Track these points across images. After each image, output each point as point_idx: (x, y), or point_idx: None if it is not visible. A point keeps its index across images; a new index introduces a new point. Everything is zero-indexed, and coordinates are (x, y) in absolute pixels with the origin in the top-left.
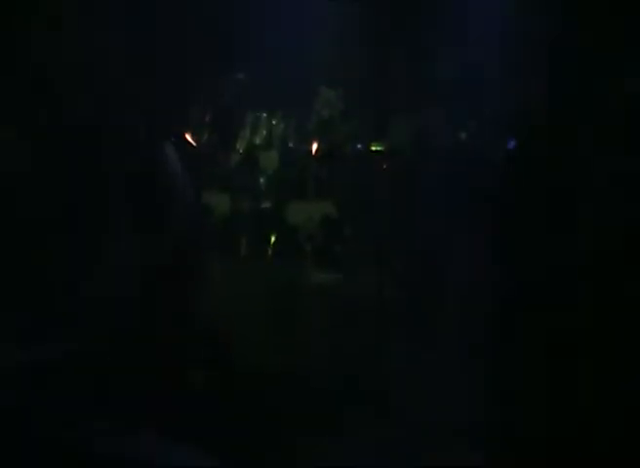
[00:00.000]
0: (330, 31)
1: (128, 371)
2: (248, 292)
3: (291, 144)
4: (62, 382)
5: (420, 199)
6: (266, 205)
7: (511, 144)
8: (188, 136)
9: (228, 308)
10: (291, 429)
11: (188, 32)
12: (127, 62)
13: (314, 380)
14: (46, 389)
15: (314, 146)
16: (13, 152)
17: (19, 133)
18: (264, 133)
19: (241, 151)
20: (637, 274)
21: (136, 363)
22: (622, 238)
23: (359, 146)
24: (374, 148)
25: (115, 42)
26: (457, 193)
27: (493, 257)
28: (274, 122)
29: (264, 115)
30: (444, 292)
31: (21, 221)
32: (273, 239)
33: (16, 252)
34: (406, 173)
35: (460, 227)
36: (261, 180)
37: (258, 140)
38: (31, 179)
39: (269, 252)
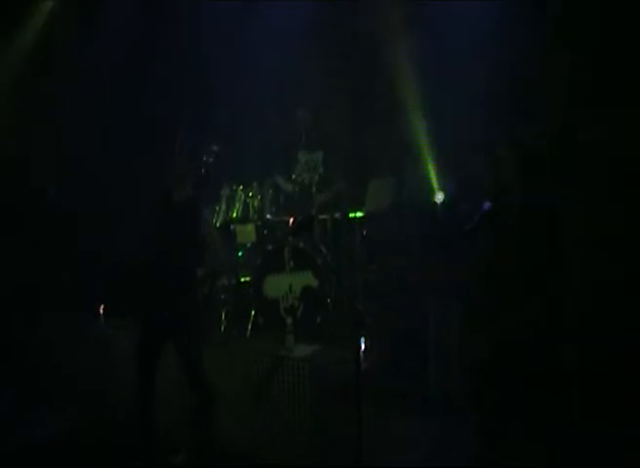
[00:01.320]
0: (307, 98)
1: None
2: (229, 365)
3: (268, 216)
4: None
5: (400, 263)
6: (245, 279)
7: (487, 206)
8: None
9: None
10: None
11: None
12: None
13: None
14: None
15: (291, 217)
16: None
17: None
18: (240, 205)
19: (218, 225)
20: None
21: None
22: None
23: (337, 215)
24: (352, 215)
25: None
26: (437, 256)
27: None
28: (250, 194)
29: (240, 187)
30: (425, 359)
31: None
32: (253, 313)
33: None
34: (386, 237)
35: (441, 293)
36: (239, 254)
37: (234, 214)
38: None
39: (250, 325)
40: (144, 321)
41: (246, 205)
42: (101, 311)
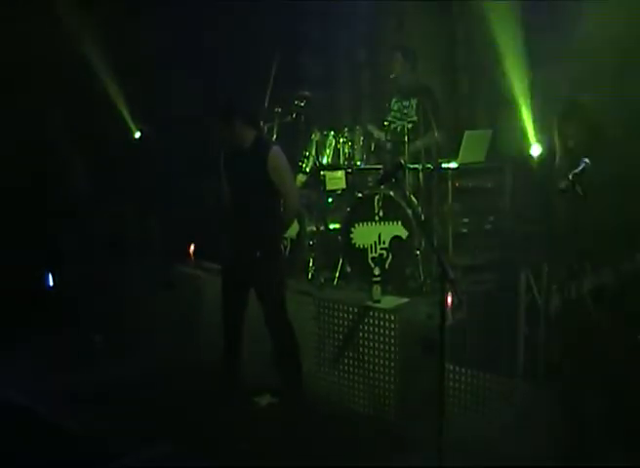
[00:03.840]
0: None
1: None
2: (315, 313)
3: (359, 163)
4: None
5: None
6: (334, 226)
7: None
8: None
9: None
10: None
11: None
12: None
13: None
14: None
15: (382, 165)
16: None
17: None
18: (330, 151)
19: (307, 171)
20: None
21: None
22: None
23: (429, 165)
24: (445, 166)
25: None
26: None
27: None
28: (341, 140)
29: (331, 133)
30: (512, 313)
31: None
32: (341, 261)
33: None
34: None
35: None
36: (329, 201)
37: (324, 159)
38: None
39: (337, 274)
40: (224, 266)
41: (336, 151)
42: (191, 254)
